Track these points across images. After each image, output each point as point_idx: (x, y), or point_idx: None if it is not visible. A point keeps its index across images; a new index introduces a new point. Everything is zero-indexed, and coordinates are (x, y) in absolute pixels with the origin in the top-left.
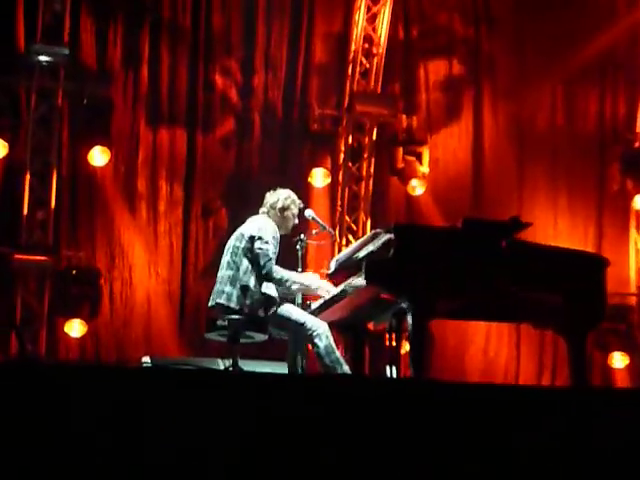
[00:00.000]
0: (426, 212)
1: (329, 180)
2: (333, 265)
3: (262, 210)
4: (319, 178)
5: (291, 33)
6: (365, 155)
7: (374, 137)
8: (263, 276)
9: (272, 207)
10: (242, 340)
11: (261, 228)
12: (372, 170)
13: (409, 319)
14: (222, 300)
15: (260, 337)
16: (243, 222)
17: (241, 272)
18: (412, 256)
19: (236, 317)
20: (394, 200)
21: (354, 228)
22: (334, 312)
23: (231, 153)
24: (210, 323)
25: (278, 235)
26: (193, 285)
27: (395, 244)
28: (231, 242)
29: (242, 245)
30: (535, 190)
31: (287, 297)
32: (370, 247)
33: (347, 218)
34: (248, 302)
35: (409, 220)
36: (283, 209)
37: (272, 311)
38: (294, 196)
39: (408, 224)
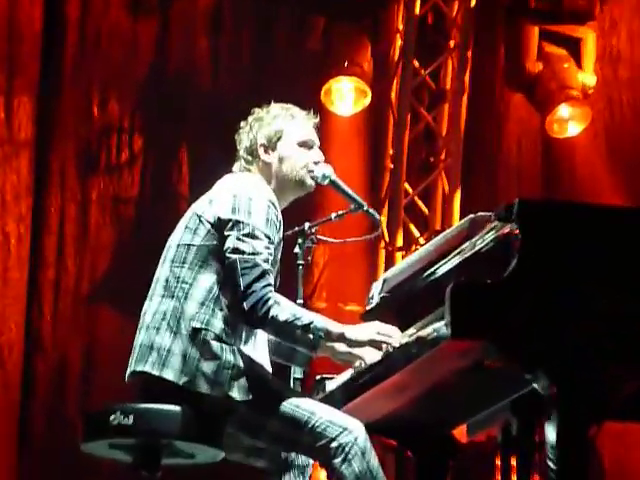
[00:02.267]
0: (585, 177)
1: (367, 101)
2: (377, 292)
3: (237, 166)
4: (346, 97)
5: None
6: (450, 44)
7: (472, 2)
8: (245, 312)
9: (258, 148)
10: (169, 461)
11: (239, 200)
12: (466, 79)
13: (553, 420)
14: (146, 366)
15: (210, 456)
16: (198, 193)
17: (192, 301)
18: (561, 274)
19: (171, 409)
20: (513, 150)
21: (423, 209)
22: (377, 400)
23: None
24: (101, 420)
25: (278, 213)
26: (55, 334)
27: (521, 247)
28: (173, 238)
29: (196, 241)
30: None
31: (288, 360)
32: (462, 254)
33: (407, 186)
34: (204, 371)
35: (548, 194)
36: (275, 140)
37: (250, 397)
38: (307, 121)
39: (550, 202)
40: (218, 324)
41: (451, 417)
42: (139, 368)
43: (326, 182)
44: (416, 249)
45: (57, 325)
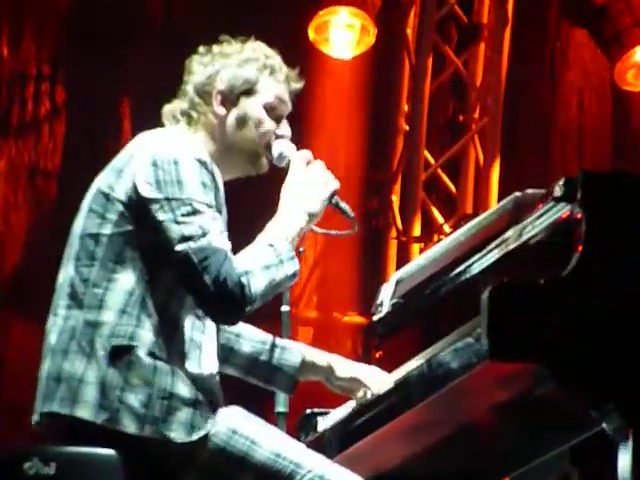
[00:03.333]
0: None
1: (371, 40)
2: (387, 298)
3: (171, 108)
4: (343, 34)
5: None
6: None
7: None
8: (223, 310)
9: (214, 93)
10: None
11: (160, 168)
12: (509, 8)
13: (626, 472)
14: (53, 405)
15: None
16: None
17: (109, 310)
18: None
19: (107, 454)
20: (573, 107)
21: (449, 186)
22: (387, 445)
23: None
24: (13, 469)
25: (214, 170)
26: None
27: (586, 235)
28: (75, 227)
29: (106, 230)
30: None
31: (267, 381)
32: (504, 246)
33: (428, 155)
34: (130, 403)
35: (620, 166)
36: (239, 91)
37: (197, 438)
38: (288, 82)
39: (625, 176)
40: (147, 336)
41: (488, 470)
42: (46, 409)
43: (283, 163)
44: (440, 240)
45: None
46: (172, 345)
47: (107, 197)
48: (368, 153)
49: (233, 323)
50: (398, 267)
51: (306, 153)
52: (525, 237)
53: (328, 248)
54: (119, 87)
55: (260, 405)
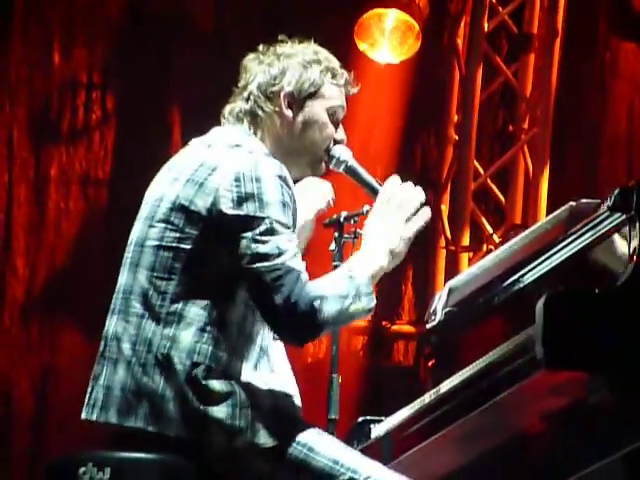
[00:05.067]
0: None
1: (417, 45)
2: (440, 306)
3: (232, 109)
4: (388, 37)
5: None
6: None
7: None
8: (292, 331)
9: (281, 95)
10: None
11: (244, 184)
12: (559, 20)
13: None
14: (137, 422)
15: None
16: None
17: (189, 328)
18: None
19: (165, 460)
20: (623, 117)
21: (498, 196)
22: (438, 453)
23: None
24: (67, 474)
25: (292, 190)
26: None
27: None
28: (146, 235)
29: (186, 244)
30: None
31: None
32: (559, 255)
33: (477, 165)
34: (217, 417)
35: None
36: (306, 94)
37: (279, 442)
38: (346, 87)
39: None
40: (224, 355)
41: (540, 477)
42: (128, 423)
43: (341, 169)
44: (489, 249)
45: (0, 348)
46: (247, 359)
47: (186, 210)
48: (410, 164)
49: (300, 345)
50: (447, 277)
51: (393, 179)
52: (580, 246)
53: None
54: (169, 95)
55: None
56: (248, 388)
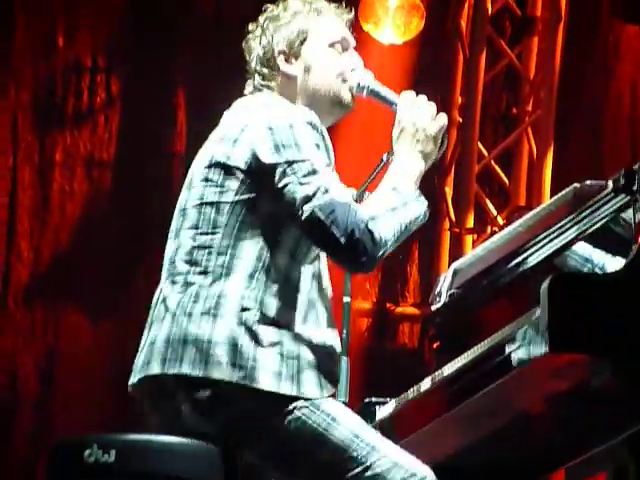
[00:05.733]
0: None
1: (421, 25)
2: (445, 288)
3: (250, 84)
4: (393, 16)
5: None
6: None
7: None
8: (357, 262)
9: (276, 56)
10: None
11: (278, 133)
12: (562, 2)
13: None
14: (183, 367)
15: None
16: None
17: (237, 275)
18: None
19: (173, 441)
20: (626, 99)
21: (502, 178)
22: (444, 434)
23: None
24: (72, 456)
25: (325, 133)
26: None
27: None
28: (188, 199)
29: (228, 198)
30: None
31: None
32: (563, 237)
33: (481, 147)
34: (265, 362)
35: None
36: (299, 43)
37: (323, 395)
38: (339, 16)
39: None
40: (273, 302)
41: (544, 459)
42: (172, 371)
43: (365, 93)
44: (493, 231)
45: (4, 330)
46: (295, 309)
47: (225, 166)
48: None
49: (367, 271)
50: (451, 259)
51: (409, 94)
52: (585, 227)
53: None
54: (174, 79)
55: None
56: (295, 339)
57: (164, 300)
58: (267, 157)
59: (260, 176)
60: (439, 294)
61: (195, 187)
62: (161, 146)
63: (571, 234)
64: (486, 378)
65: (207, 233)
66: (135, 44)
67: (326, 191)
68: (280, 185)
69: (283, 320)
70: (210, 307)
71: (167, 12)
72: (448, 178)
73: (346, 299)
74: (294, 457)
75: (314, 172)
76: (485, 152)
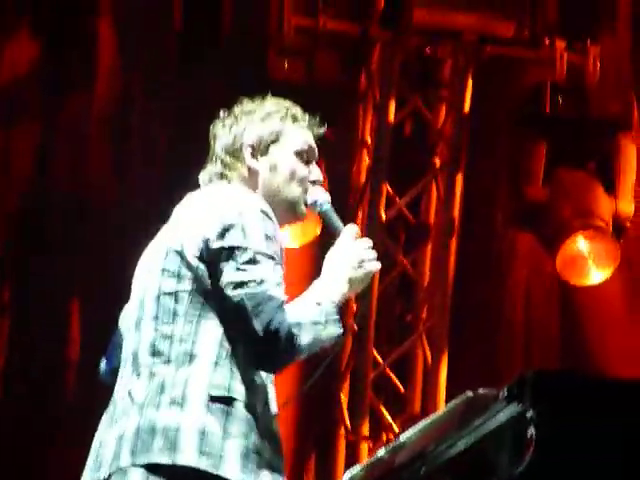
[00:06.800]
0: (622, 340)
1: (318, 230)
2: None
3: (208, 172)
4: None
5: None
6: (436, 163)
7: (466, 107)
8: (270, 357)
9: (244, 149)
10: None
11: (226, 219)
12: (455, 211)
13: None
14: (151, 456)
15: None
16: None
17: (202, 363)
18: None
19: None
20: (519, 305)
21: (397, 385)
22: None
23: None
24: None
25: (275, 224)
26: None
27: (537, 437)
28: (146, 288)
29: (185, 287)
30: None
31: None
32: (454, 447)
33: (376, 355)
34: (232, 451)
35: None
36: (268, 142)
37: None
38: (310, 128)
39: (580, 376)
40: (240, 388)
41: None
42: (140, 461)
43: (317, 210)
44: (388, 439)
45: None
46: (254, 394)
47: (180, 255)
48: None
49: (276, 371)
50: (347, 466)
51: (354, 228)
52: (477, 438)
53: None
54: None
55: None
56: (259, 432)
57: (129, 393)
58: (214, 242)
59: (210, 262)
60: None
61: (153, 279)
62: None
63: (462, 444)
64: None
65: (168, 323)
66: None
67: (260, 282)
68: (219, 267)
69: (250, 407)
70: (177, 396)
71: None
72: (344, 385)
73: None
74: None
75: (255, 261)
76: (380, 359)
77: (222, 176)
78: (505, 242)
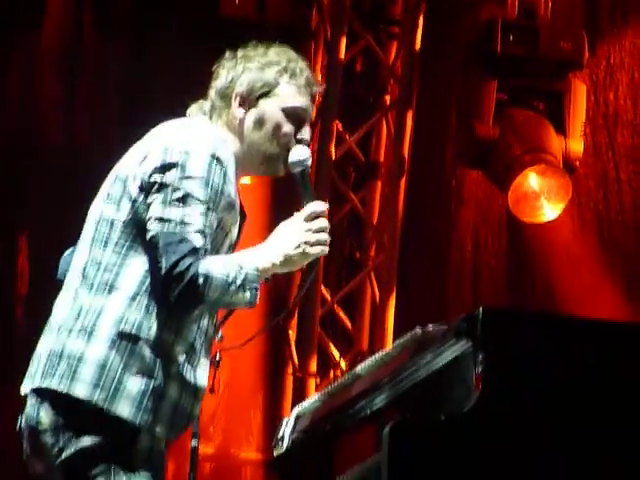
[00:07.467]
0: (570, 277)
1: None
2: (287, 433)
3: (197, 106)
4: None
5: None
6: (386, 100)
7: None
8: (173, 300)
9: (233, 96)
10: None
11: (169, 154)
12: (405, 148)
13: None
14: (52, 381)
15: None
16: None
17: (118, 295)
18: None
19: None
20: (468, 243)
21: (345, 322)
22: None
23: None
24: None
25: (228, 172)
26: None
27: (486, 372)
28: (93, 211)
29: (121, 216)
30: None
31: None
32: (405, 382)
33: (324, 291)
34: (129, 388)
35: (515, 303)
36: (258, 94)
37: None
38: (308, 87)
39: (527, 313)
40: (153, 328)
41: None
42: (45, 384)
43: (297, 170)
44: (336, 376)
45: None
46: (175, 343)
47: (124, 183)
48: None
49: (177, 314)
50: (294, 403)
51: (321, 206)
52: (426, 373)
53: (230, 384)
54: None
55: None
56: (167, 378)
57: (55, 309)
58: (152, 176)
59: (147, 195)
60: (281, 439)
61: (99, 202)
62: None
63: (412, 380)
64: None
65: (99, 248)
66: None
67: (182, 223)
68: (148, 201)
69: (159, 349)
70: (88, 325)
71: None
72: (292, 322)
73: (193, 442)
74: None
75: (183, 202)
76: (328, 296)
77: (211, 111)
78: (454, 181)
